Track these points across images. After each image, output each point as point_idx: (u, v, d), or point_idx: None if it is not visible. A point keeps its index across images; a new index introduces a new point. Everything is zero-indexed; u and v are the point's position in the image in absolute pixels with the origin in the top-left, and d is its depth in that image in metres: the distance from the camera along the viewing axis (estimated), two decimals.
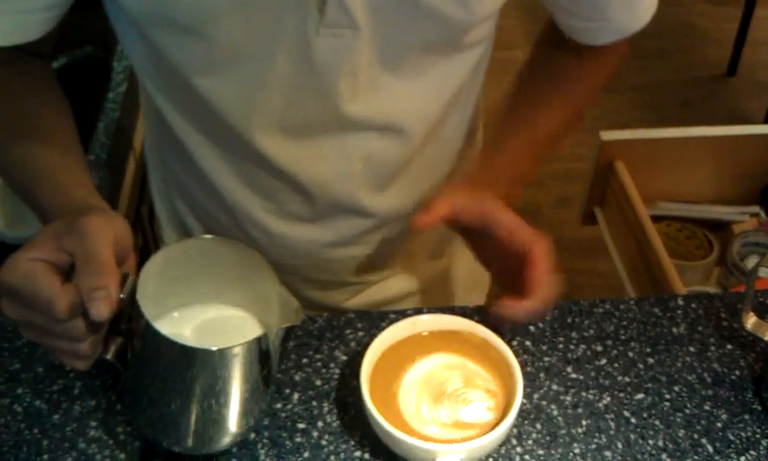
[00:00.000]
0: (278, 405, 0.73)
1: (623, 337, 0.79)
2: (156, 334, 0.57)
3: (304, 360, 0.77)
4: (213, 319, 0.68)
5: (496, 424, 0.65)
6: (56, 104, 0.75)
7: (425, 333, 0.73)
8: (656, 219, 1.57)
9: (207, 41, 0.67)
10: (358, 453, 0.69)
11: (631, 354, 0.78)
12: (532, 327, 0.80)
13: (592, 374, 0.76)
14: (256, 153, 0.76)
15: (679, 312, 0.82)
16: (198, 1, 0.64)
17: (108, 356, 0.60)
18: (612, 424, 0.72)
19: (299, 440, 0.70)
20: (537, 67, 0.88)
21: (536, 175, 0.84)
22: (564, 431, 0.71)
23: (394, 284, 0.94)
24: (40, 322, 0.56)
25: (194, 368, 0.58)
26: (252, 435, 0.70)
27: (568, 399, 0.74)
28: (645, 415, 0.73)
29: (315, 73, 0.70)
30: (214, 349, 0.58)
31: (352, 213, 0.83)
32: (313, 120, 0.74)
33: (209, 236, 0.68)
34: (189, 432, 0.62)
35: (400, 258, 0.93)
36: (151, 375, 0.60)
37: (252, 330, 0.66)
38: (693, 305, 0.83)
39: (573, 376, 0.76)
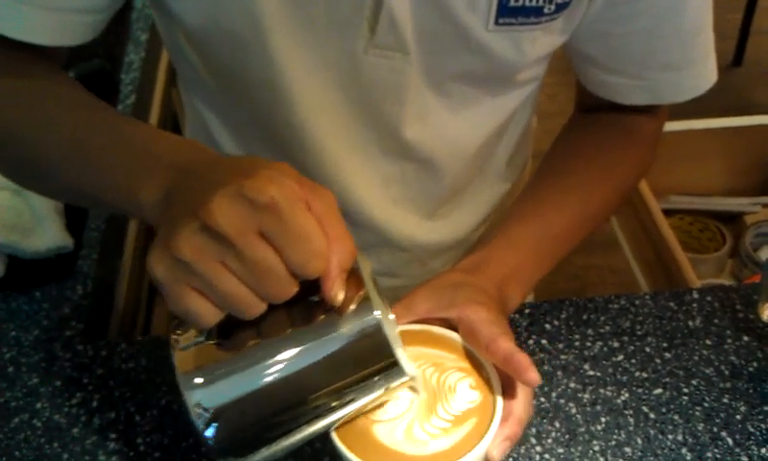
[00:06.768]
0: None
1: (639, 332, 0.79)
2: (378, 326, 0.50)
3: None
4: None
5: (486, 406, 0.56)
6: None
7: None
8: (667, 213, 1.57)
9: (259, 55, 0.67)
10: None
11: (648, 349, 0.78)
12: (548, 326, 0.80)
13: (610, 370, 0.76)
14: (302, 171, 0.75)
15: (694, 305, 0.82)
16: (248, 13, 0.64)
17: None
18: (630, 419, 0.72)
19: (318, 446, 0.70)
20: (562, 154, 0.81)
21: (539, 277, 0.73)
22: (583, 429, 0.71)
23: None
24: (253, 250, 0.45)
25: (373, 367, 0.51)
26: None
27: (586, 396, 0.74)
28: (664, 410, 0.73)
29: (362, 93, 0.69)
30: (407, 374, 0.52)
31: (394, 244, 0.82)
32: (359, 143, 0.74)
33: None
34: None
35: None
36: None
37: None
38: (708, 298, 0.82)
39: (590, 373, 0.76)
